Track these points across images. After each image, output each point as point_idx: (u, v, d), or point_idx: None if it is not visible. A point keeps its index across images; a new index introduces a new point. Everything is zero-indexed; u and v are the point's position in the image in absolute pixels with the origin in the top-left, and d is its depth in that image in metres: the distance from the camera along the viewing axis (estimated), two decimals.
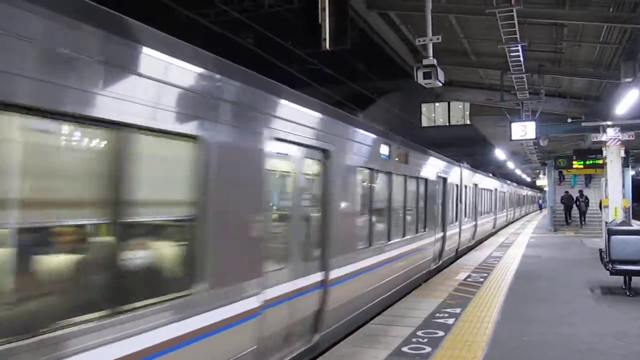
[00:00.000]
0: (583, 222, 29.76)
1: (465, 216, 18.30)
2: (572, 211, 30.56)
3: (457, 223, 16.83)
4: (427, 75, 7.80)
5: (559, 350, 6.80)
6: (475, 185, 20.85)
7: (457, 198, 16.76)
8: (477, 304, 9.57)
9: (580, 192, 30.51)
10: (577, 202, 30.05)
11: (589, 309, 9.30)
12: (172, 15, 12.75)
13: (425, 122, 42.42)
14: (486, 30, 12.72)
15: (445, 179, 14.76)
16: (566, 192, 31.24)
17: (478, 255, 17.56)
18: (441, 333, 7.52)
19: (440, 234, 14.25)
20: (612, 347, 6.93)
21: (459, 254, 17.30)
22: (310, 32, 6.33)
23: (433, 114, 43.26)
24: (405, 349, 6.81)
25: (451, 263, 15.31)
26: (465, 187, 18.44)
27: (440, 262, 14.34)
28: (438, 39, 8.21)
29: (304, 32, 6.52)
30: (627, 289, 10.28)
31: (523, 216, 50.55)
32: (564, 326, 7.95)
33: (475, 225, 20.95)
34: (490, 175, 29.38)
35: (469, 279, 12.36)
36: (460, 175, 17.37)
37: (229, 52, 8.25)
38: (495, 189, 28.37)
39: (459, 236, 17.15)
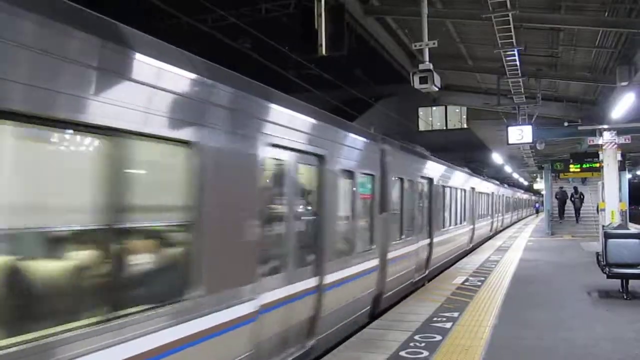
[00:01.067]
0: (578, 219, 30.05)
1: (402, 234, 10.82)
2: (567, 207, 30.90)
3: (377, 250, 9.07)
4: (423, 80, 7.83)
5: (556, 355, 6.80)
6: (430, 180, 13.40)
7: (374, 201, 9.09)
8: (474, 308, 9.58)
9: (575, 188, 30.74)
10: (572, 199, 30.33)
11: (586, 312, 9.31)
12: (172, 22, 12.81)
13: (422, 127, 42.52)
14: (482, 34, 12.79)
15: (321, 159, 6.88)
16: (561, 187, 31.45)
17: (475, 259, 17.57)
18: (439, 337, 7.52)
19: (324, 278, 6.88)
20: (609, 351, 6.94)
21: (392, 300, 10.12)
22: (306, 37, 6.36)
23: (430, 118, 43.38)
24: (402, 353, 6.80)
25: (371, 321, 8.80)
26: (402, 181, 10.82)
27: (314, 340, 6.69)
28: (434, 43, 8.27)
29: (300, 37, 6.55)
30: (624, 293, 10.30)
31: (515, 222, 45.59)
32: (562, 330, 7.95)
33: (430, 245, 13.17)
34: (466, 170, 21.10)
35: (466, 283, 12.37)
36: (380, 159, 9.37)
37: (226, 57, 8.28)
38: (473, 189, 20.88)
39: (380, 274, 9.24)
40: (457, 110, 39.25)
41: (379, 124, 15.74)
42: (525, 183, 59.56)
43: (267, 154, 5.52)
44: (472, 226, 20.56)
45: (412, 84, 8.09)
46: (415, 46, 8.71)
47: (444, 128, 42.13)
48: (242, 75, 5.37)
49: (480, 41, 13.84)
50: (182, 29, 12.98)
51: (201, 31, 13.07)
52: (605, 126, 16.58)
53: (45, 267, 3.48)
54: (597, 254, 11.31)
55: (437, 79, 7.89)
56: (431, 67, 7.90)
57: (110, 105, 3.58)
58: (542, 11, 11.50)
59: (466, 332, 7.84)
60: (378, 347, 7.12)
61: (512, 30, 10.22)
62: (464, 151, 33.02)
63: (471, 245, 20.44)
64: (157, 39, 4.28)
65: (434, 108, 41.13)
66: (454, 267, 15.50)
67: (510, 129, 16.59)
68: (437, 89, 8.23)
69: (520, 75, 13.48)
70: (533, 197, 70.48)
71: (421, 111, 42.13)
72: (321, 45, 6.20)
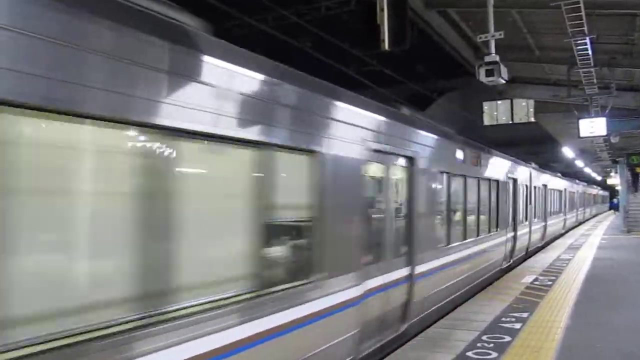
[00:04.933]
0: None
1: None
2: None
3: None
4: (489, 73, 7.58)
5: None
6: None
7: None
8: (545, 308, 9.22)
9: None
10: None
11: None
12: (234, 22, 13.07)
13: (487, 121, 41.32)
14: (551, 23, 12.29)
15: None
16: None
17: (545, 257, 16.94)
18: (508, 338, 7.28)
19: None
20: None
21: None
22: (369, 33, 6.30)
23: (495, 112, 42.10)
24: (470, 353, 6.64)
25: None
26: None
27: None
28: (500, 34, 7.97)
29: (362, 33, 6.49)
30: None
31: (571, 228, 32.71)
32: None
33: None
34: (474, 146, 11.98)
35: (535, 282, 11.93)
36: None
37: (287, 56, 8.35)
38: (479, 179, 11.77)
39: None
40: (524, 104, 37.83)
41: (443, 119, 15.46)
42: (599, 178, 56.81)
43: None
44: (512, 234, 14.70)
45: (477, 77, 7.84)
46: (481, 38, 8.43)
47: (510, 122, 40.77)
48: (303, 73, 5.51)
49: (548, 30, 13.29)
50: (246, 30, 13.22)
51: (262, 31, 13.26)
52: None
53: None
54: None
55: (504, 71, 7.62)
56: (498, 59, 7.63)
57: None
58: None
59: (537, 333, 7.56)
60: (444, 347, 6.98)
61: (584, 17, 9.73)
62: (532, 145, 31.86)
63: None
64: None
65: (499, 102, 39.86)
66: (523, 266, 15.01)
67: (581, 121, 15.86)
68: (504, 82, 7.95)
69: (592, 64, 12.83)
70: (600, 192, 65.48)
71: (486, 105, 40.93)
72: (384, 40, 6.13)
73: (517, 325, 7.96)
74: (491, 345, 6.98)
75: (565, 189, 28.70)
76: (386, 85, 19.85)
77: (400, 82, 20.25)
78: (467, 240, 10.58)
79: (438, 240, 8.82)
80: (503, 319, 8.42)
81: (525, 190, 16.95)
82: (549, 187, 22.46)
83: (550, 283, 11.80)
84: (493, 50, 8.06)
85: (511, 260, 14.64)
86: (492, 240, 12.71)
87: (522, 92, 20.49)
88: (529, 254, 17.72)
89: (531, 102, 28.84)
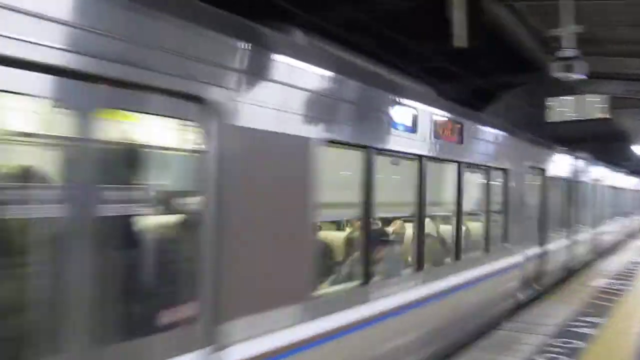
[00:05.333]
0: None
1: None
2: None
3: None
4: (567, 68, 7.20)
5: None
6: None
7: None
8: (619, 313, 8.83)
9: None
10: None
11: None
12: (298, 21, 13.18)
13: (551, 118, 39.80)
14: (627, 15, 11.68)
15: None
16: None
17: (616, 260, 16.18)
18: (579, 343, 7.02)
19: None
20: None
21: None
22: (436, 29, 6.18)
23: (561, 109, 40.52)
24: (539, 358, 6.45)
25: None
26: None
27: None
28: (582, 28, 7.51)
29: (428, 29, 6.39)
30: None
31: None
32: None
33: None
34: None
35: (607, 286, 11.42)
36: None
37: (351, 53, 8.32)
38: None
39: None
40: (592, 99, 36.24)
41: (506, 115, 15.02)
42: None
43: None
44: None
45: (550, 73, 7.53)
46: (554, 32, 8.05)
47: (577, 119, 39.12)
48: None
49: (623, 22, 12.64)
50: (308, 27, 13.27)
51: (324, 28, 13.28)
52: None
53: None
54: None
55: (583, 66, 7.22)
56: (578, 53, 7.20)
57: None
58: None
59: (611, 339, 7.26)
60: (511, 349, 6.83)
61: None
62: (602, 143, 30.47)
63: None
64: None
65: (565, 98, 38.34)
66: (592, 269, 14.40)
67: None
68: (584, 77, 7.50)
69: None
70: None
71: (550, 101, 39.47)
72: (456, 35, 5.95)
73: (589, 331, 7.66)
74: (561, 350, 6.76)
75: (629, 187, 25.95)
76: (447, 80, 19.51)
77: (462, 77, 19.82)
78: (424, 270, 6.04)
79: (334, 279, 5.04)
80: (573, 323, 8.13)
81: (564, 187, 13.40)
82: (604, 183, 19.05)
83: (623, 287, 11.27)
84: (572, 44, 7.56)
85: (538, 286, 10.40)
86: (493, 263, 8.12)
87: (593, 87, 19.60)
88: (572, 272, 13.36)
89: (603, 97, 27.57)
